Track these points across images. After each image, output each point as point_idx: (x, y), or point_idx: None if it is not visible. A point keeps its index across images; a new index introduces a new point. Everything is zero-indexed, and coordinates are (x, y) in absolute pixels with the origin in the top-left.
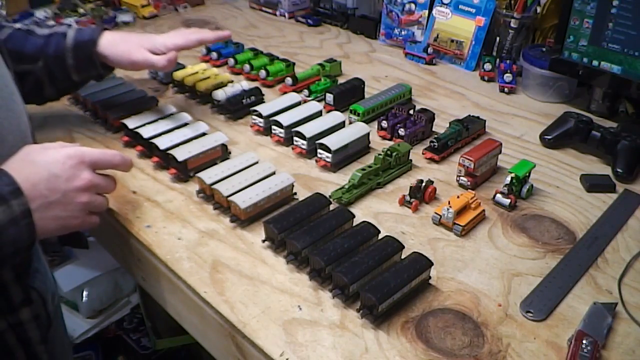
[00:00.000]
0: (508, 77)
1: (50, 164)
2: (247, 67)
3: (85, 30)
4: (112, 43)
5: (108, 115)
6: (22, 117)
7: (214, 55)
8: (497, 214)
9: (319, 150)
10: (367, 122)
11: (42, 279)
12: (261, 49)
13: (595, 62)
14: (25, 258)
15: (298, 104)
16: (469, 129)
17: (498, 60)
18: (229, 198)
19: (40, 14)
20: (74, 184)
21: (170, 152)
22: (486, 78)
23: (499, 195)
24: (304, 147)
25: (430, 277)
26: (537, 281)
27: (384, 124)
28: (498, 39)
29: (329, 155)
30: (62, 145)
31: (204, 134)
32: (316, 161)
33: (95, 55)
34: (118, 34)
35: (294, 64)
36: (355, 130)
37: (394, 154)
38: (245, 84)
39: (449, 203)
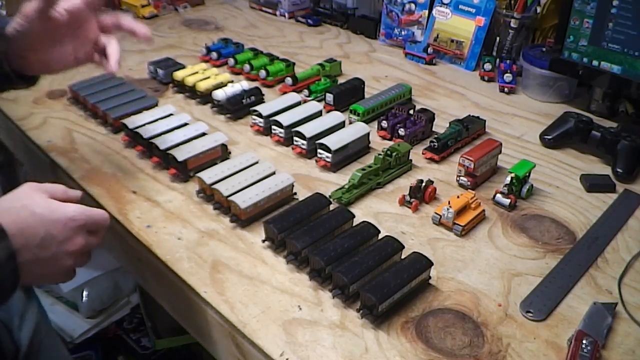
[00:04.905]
0: (508, 77)
1: (49, 223)
2: (247, 67)
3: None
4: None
5: (108, 115)
6: None
7: (214, 55)
8: (497, 214)
9: (319, 150)
10: (367, 122)
11: (6, 307)
12: (261, 49)
13: (595, 62)
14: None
15: (298, 104)
16: (469, 129)
17: (498, 60)
18: (229, 198)
19: None
20: (66, 247)
21: (170, 152)
22: (486, 78)
23: (499, 195)
24: (304, 147)
25: (430, 277)
26: (537, 281)
27: (384, 124)
28: (498, 39)
29: (329, 155)
30: (64, 192)
31: (204, 134)
32: (316, 161)
33: (2, 47)
34: None
35: (294, 64)
36: (355, 130)
37: (394, 154)
38: (245, 84)
39: (449, 203)
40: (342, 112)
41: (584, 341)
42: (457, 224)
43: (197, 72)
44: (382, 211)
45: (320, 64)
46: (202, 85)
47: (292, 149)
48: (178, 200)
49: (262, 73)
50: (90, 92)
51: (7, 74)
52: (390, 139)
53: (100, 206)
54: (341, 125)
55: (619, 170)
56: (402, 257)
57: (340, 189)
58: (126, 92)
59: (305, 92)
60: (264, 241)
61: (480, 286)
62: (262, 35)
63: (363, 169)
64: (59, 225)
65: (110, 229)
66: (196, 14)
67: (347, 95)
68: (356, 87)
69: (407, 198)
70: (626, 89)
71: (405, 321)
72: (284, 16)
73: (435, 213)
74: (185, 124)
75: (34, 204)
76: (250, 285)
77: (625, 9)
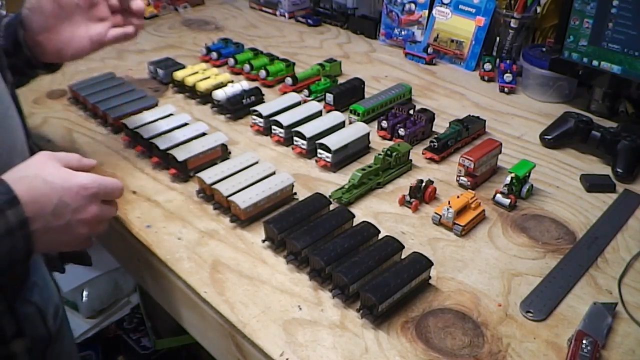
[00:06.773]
0: (508, 77)
1: (62, 191)
2: (247, 67)
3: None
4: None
5: (108, 115)
6: (16, 132)
7: (214, 55)
8: (497, 214)
9: (319, 150)
10: (367, 122)
11: (41, 292)
12: (261, 49)
13: (595, 62)
14: (21, 271)
15: (298, 104)
16: (469, 129)
17: (498, 60)
18: (229, 198)
19: None
20: (80, 215)
21: (170, 152)
22: (486, 78)
23: (499, 195)
24: (304, 147)
25: (430, 277)
26: (537, 281)
27: (384, 124)
28: (498, 39)
29: (329, 155)
30: (78, 161)
31: (204, 134)
32: (316, 161)
33: (21, 31)
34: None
35: (294, 64)
36: (355, 130)
37: (394, 154)
38: (245, 84)
39: (449, 203)
40: (342, 112)
41: (584, 341)
42: (457, 224)
43: (197, 72)
44: (382, 211)
45: (320, 64)
46: (202, 85)
47: (292, 149)
48: (178, 200)
49: (262, 73)
50: (90, 92)
51: (28, 59)
52: (390, 139)
53: None
54: (341, 125)
55: (619, 170)
56: (402, 257)
57: (340, 189)
58: (126, 92)
59: (305, 92)
60: (264, 241)
61: (480, 286)
62: (262, 35)
63: (363, 169)
64: (71, 193)
65: (110, 228)
66: (196, 14)
67: (347, 95)
68: (356, 87)
69: (407, 198)
70: (626, 89)
71: (405, 321)
72: (284, 16)
73: (435, 213)
74: (185, 124)
75: (46, 173)
76: (250, 285)
77: (625, 9)
